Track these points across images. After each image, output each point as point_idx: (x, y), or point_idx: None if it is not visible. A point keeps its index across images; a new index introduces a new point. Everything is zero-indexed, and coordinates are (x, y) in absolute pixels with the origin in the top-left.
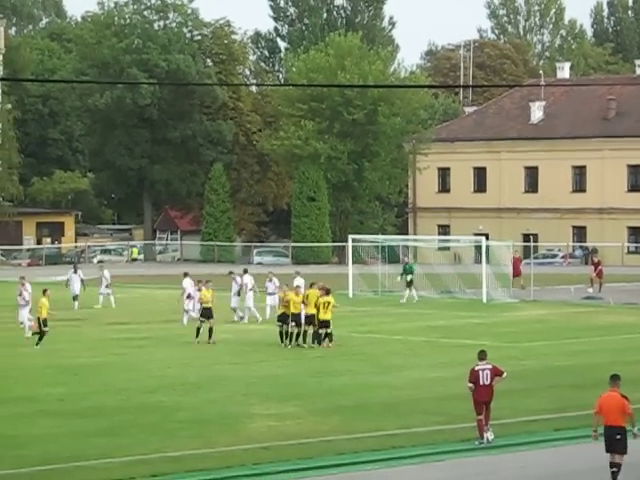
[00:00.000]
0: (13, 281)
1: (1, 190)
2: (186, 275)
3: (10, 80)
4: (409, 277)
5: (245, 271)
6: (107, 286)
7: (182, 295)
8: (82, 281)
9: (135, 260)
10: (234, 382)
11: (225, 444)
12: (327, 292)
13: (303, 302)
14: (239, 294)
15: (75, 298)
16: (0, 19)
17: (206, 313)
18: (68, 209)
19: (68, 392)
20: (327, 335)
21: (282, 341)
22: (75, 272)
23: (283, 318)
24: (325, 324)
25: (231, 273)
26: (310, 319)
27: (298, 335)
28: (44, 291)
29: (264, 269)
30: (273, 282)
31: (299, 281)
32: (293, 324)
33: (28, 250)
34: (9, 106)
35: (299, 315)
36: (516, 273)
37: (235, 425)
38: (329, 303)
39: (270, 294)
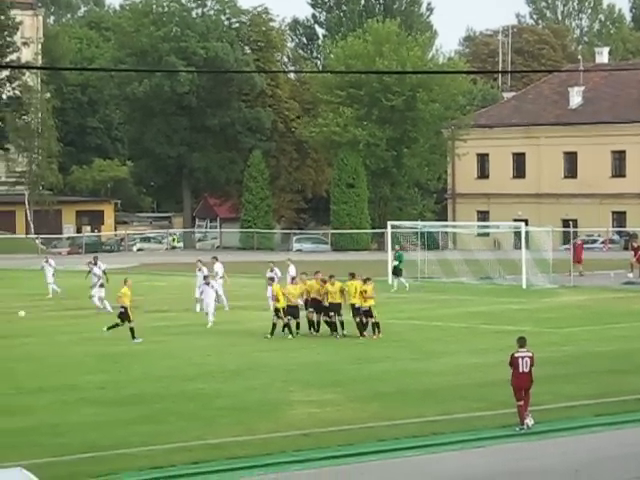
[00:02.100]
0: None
1: (41, 179)
2: (216, 259)
3: (49, 69)
4: (395, 263)
5: (215, 259)
6: (53, 275)
7: (217, 279)
8: (104, 272)
9: (174, 248)
10: (274, 369)
11: (265, 431)
12: (364, 280)
13: (341, 291)
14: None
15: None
16: (39, 8)
17: (292, 312)
18: (107, 197)
19: (108, 380)
20: (374, 325)
21: (315, 330)
22: (95, 264)
23: (294, 311)
24: (367, 313)
25: (199, 261)
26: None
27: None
28: (125, 280)
29: (304, 256)
30: (275, 272)
31: (293, 270)
32: (318, 315)
33: (68, 238)
34: (48, 95)
35: (321, 305)
36: (577, 260)
37: (275, 412)
38: (365, 291)
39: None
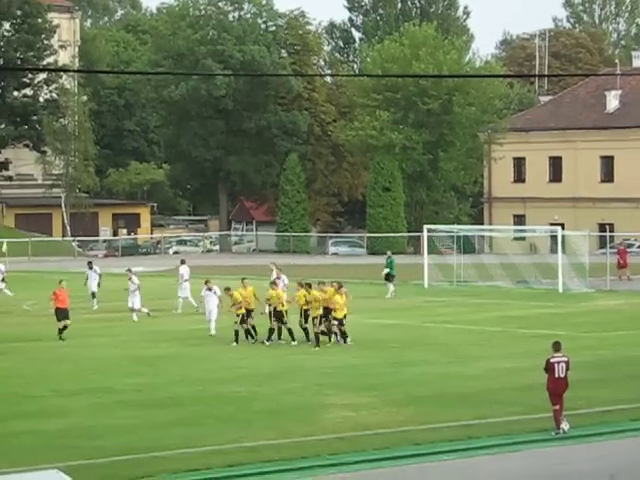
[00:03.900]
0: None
1: (77, 181)
2: (183, 262)
3: (86, 72)
4: (385, 271)
5: (182, 262)
6: (2, 280)
7: (182, 282)
8: (100, 276)
9: (210, 251)
10: (309, 372)
11: (301, 434)
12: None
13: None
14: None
15: (93, 295)
16: (76, 11)
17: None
18: (144, 200)
19: (145, 383)
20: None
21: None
22: (91, 268)
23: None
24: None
25: (129, 271)
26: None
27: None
28: (242, 279)
29: (340, 260)
30: (282, 279)
31: (275, 275)
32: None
33: (104, 241)
34: (85, 98)
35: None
36: (622, 264)
37: (310, 415)
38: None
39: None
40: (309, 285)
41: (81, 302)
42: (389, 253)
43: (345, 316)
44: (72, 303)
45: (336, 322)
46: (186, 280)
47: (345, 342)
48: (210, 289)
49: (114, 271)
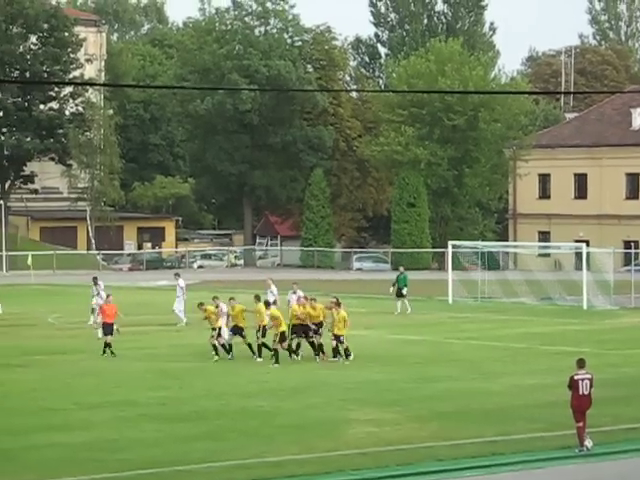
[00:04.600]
0: (114, 285)
1: (103, 195)
2: (179, 276)
3: (112, 86)
4: (403, 289)
5: (177, 275)
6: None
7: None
8: (99, 293)
9: (235, 265)
10: (333, 387)
11: (324, 450)
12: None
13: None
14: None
15: (93, 311)
16: (102, 25)
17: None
18: (169, 214)
19: (169, 396)
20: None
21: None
22: (96, 284)
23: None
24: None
25: (95, 280)
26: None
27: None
28: (230, 298)
29: (364, 275)
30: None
31: (275, 290)
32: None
33: (129, 255)
34: (111, 112)
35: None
36: None
37: (334, 430)
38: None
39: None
40: (338, 304)
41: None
42: (402, 269)
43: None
44: (87, 316)
45: (334, 339)
46: (184, 293)
47: (347, 358)
48: (217, 306)
49: (141, 285)
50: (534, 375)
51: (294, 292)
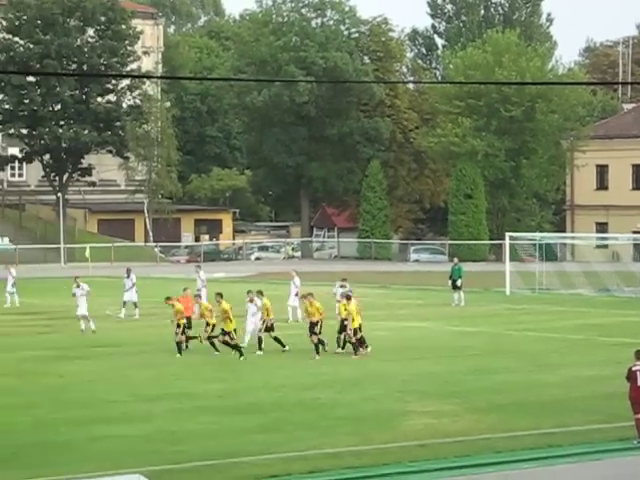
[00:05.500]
0: (172, 277)
1: (160, 187)
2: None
3: (169, 78)
4: (457, 280)
5: (199, 267)
6: (13, 285)
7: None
8: (133, 285)
9: (292, 257)
10: (390, 379)
11: (382, 441)
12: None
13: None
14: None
15: (135, 305)
16: (159, 18)
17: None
18: (226, 206)
19: (226, 388)
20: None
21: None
22: (128, 276)
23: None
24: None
25: (76, 279)
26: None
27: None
28: (217, 293)
29: (421, 266)
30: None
31: (298, 282)
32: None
33: (186, 247)
34: (168, 104)
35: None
36: None
37: (391, 422)
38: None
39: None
40: (348, 297)
41: (163, 307)
42: (456, 260)
43: (360, 325)
44: (155, 307)
45: (350, 332)
46: (205, 286)
47: (363, 350)
48: (251, 300)
49: (195, 277)
50: (592, 367)
51: (341, 286)
